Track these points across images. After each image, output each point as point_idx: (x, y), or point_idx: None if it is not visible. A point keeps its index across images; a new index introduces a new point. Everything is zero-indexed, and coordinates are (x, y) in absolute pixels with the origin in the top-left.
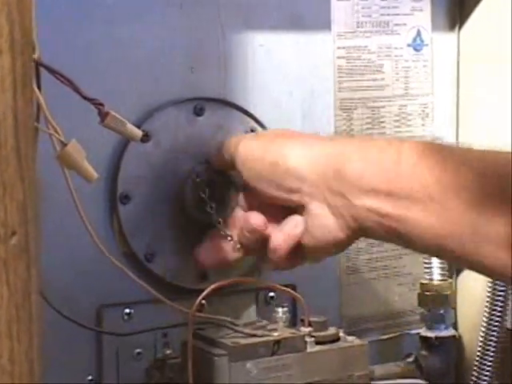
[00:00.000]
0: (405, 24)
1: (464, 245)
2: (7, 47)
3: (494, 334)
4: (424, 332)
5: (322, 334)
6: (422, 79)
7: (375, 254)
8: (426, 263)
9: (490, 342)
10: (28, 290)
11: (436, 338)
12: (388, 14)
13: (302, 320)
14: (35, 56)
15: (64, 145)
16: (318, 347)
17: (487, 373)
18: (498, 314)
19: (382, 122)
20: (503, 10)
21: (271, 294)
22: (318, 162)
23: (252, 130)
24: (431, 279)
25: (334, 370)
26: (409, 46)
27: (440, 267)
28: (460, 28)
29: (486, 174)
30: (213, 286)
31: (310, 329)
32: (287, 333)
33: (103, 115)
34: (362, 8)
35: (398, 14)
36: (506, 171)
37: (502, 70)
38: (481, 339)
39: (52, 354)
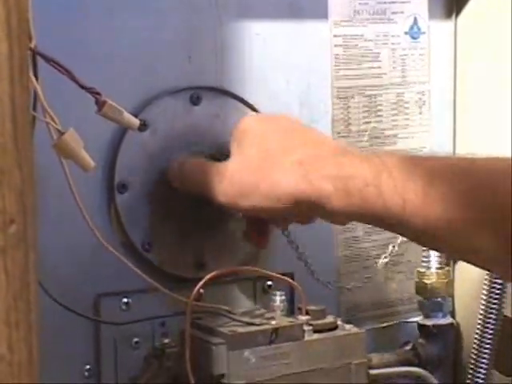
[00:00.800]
0: (402, 12)
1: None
2: (4, 34)
3: (492, 321)
4: (422, 320)
5: (320, 322)
6: (419, 67)
7: (373, 242)
8: (423, 251)
9: (488, 330)
10: (26, 278)
11: (434, 326)
12: (385, 2)
13: (300, 308)
14: (32, 45)
15: (61, 134)
16: (316, 335)
17: (485, 360)
18: (496, 301)
19: (379, 111)
20: None
21: (269, 282)
22: (298, 190)
23: None
24: (429, 267)
25: (332, 359)
26: (406, 33)
27: (437, 255)
28: (457, 16)
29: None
30: (210, 275)
31: (307, 317)
32: (285, 321)
33: (100, 104)
34: None
35: (394, 2)
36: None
37: (500, 57)
38: (478, 327)
39: (50, 344)
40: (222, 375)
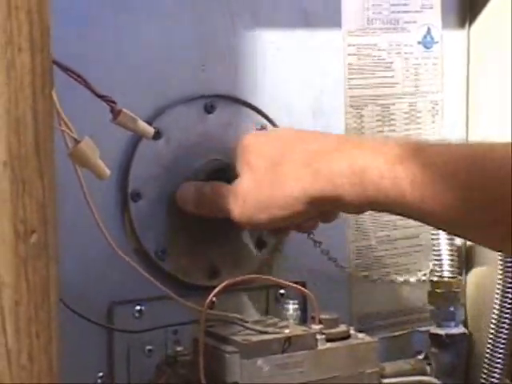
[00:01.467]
0: (415, 21)
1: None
2: (27, 45)
3: (504, 330)
4: (434, 329)
5: (333, 331)
6: (432, 76)
7: (385, 250)
8: (436, 260)
9: (500, 339)
10: (47, 288)
11: (446, 335)
12: (398, 12)
13: (313, 317)
14: None
15: (77, 142)
16: (329, 344)
17: (497, 370)
18: (509, 310)
19: (392, 120)
20: None
21: (282, 291)
22: (312, 191)
23: (262, 127)
24: (441, 276)
25: (345, 367)
26: (419, 43)
27: (450, 264)
28: (470, 25)
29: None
30: (224, 284)
31: (320, 326)
32: (298, 330)
33: (116, 113)
34: (373, 5)
35: (408, 12)
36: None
37: None
38: (491, 336)
39: (63, 351)
40: (235, 383)
